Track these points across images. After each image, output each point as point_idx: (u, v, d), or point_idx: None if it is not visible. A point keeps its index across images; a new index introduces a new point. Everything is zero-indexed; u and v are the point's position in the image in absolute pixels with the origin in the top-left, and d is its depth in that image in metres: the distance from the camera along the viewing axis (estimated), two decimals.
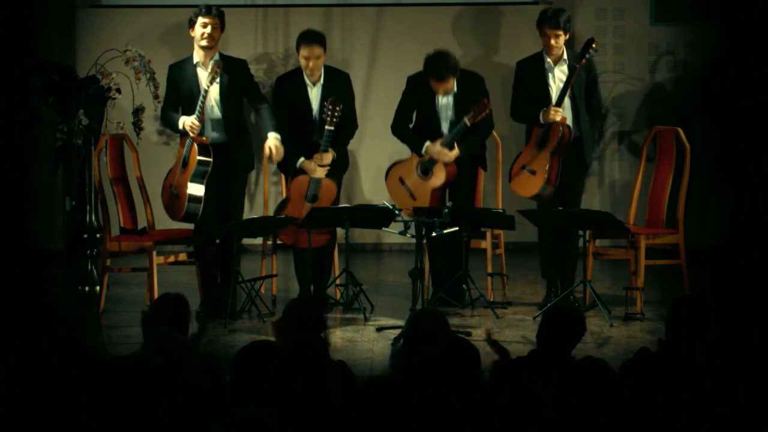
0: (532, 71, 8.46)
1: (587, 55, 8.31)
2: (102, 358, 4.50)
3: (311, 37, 8.43)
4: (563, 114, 8.34)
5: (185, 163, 8.26)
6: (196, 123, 8.16)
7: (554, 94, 8.39)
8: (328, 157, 8.38)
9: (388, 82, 10.34)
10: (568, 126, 8.32)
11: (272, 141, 8.35)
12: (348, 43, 10.47)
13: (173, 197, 8.31)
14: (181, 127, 8.27)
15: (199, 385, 4.49)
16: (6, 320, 5.21)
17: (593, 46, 8.33)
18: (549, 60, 8.41)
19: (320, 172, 8.40)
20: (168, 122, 8.49)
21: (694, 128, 9.58)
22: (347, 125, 8.53)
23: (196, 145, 8.20)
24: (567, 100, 8.38)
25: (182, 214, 8.24)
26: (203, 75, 8.29)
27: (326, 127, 8.30)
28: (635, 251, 8.33)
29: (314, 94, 8.48)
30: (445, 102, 8.47)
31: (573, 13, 10.13)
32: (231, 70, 8.35)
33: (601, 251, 8.66)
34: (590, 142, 8.57)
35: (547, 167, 8.30)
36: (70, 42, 10.38)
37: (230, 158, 8.35)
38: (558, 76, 8.41)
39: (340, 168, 8.57)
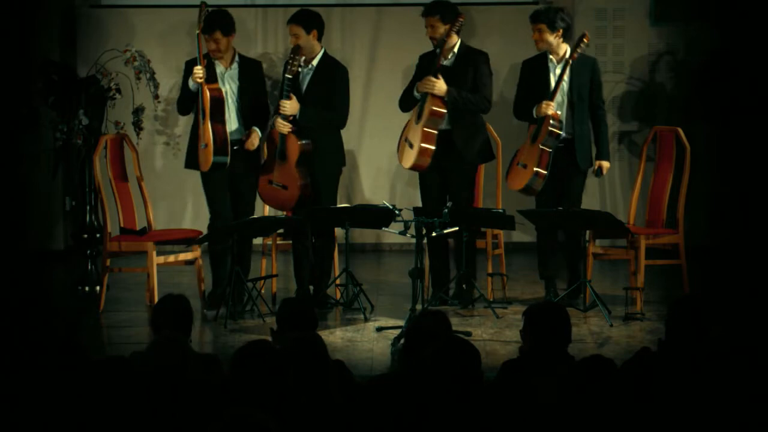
0: (536, 70, 8.53)
1: (579, 49, 8.35)
2: (99, 358, 4.49)
3: (291, 17, 8.54)
4: (561, 113, 8.40)
5: (203, 114, 8.32)
6: (199, 67, 8.28)
7: (562, 89, 8.45)
8: (287, 104, 8.31)
9: (388, 82, 10.34)
10: (560, 120, 8.36)
11: (256, 135, 8.47)
12: (348, 43, 10.47)
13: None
14: (191, 84, 8.36)
15: (199, 384, 4.49)
16: (6, 320, 5.22)
17: (585, 40, 8.38)
18: (552, 59, 8.46)
19: (281, 126, 8.33)
20: (182, 100, 8.57)
21: (694, 128, 9.58)
22: (333, 110, 8.48)
23: (207, 90, 8.31)
24: (564, 100, 8.45)
25: (210, 161, 8.31)
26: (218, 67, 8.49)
27: (285, 74, 8.32)
28: (635, 251, 8.33)
29: (307, 77, 8.49)
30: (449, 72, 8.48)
31: (573, 13, 10.14)
32: (246, 71, 8.49)
33: (601, 251, 8.66)
34: (585, 144, 8.53)
35: (536, 159, 8.35)
36: (70, 42, 10.38)
37: (247, 157, 8.41)
38: (557, 71, 8.47)
39: (334, 161, 8.55)
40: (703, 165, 9.60)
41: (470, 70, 8.47)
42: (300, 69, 8.34)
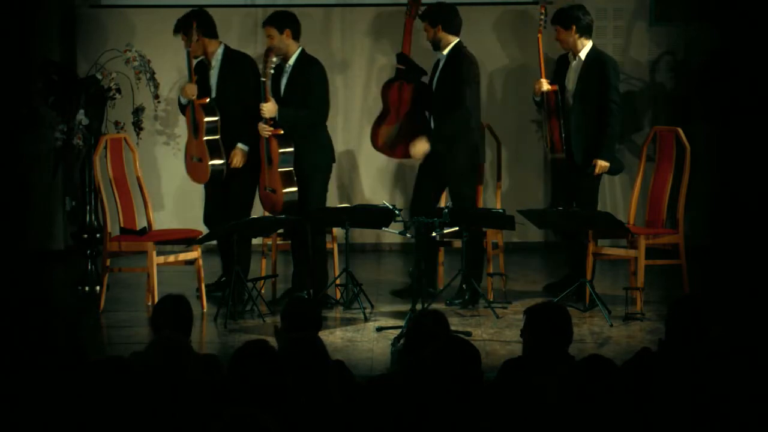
0: (560, 65, 8.73)
1: (540, 23, 8.72)
2: (98, 358, 4.49)
3: (266, 19, 8.63)
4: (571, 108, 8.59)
5: (196, 129, 8.60)
6: (190, 84, 8.55)
7: (571, 86, 8.59)
8: (264, 107, 8.36)
9: None
10: (555, 92, 8.56)
11: (239, 154, 8.58)
12: (348, 43, 10.47)
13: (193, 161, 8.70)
14: (182, 99, 8.67)
15: (198, 384, 4.49)
16: (6, 320, 5.21)
17: (540, 10, 8.77)
18: (570, 55, 8.63)
19: (262, 130, 8.39)
20: (179, 105, 8.91)
21: (694, 128, 9.58)
22: (309, 108, 8.48)
23: (199, 106, 8.56)
24: (570, 96, 8.59)
25: (208, 174, 8.58)
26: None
27: (261, 78, 8.39)
28: (635, 251, 8.33)
29: (285, 77, 8.56)
30: (436, 74, 8.66)
31: None
32: (228, 66, 8.63)
33: (601, 251, 8.66)
34: (581, 140, 8.56)
35: (547, 134, 8.63)
36: (70, 42, 10.38)
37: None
38: (572, 69, 8.62)
39: (321, 158, 8.55)
40: (703, 165, 9.59)
41: (450, 74, 8.51)
42: (272, 71, 8.39)
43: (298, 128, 8.43)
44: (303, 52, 8.54)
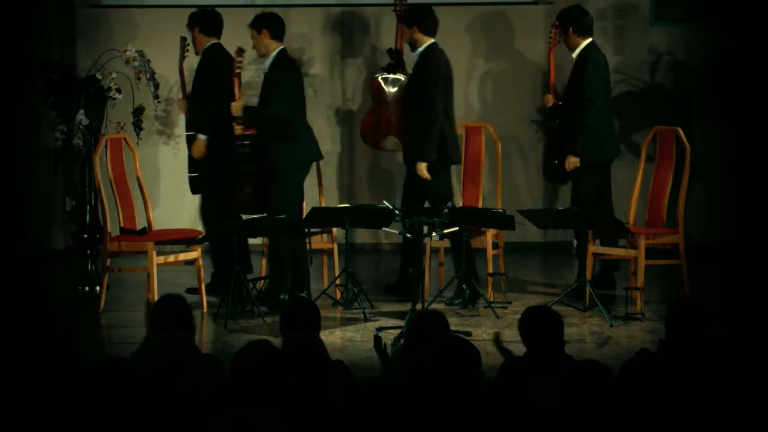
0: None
1: (551, 41, 8.86)
2: (97, 358, 4.49)
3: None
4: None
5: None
6: (180, 99, 9.00)
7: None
8: (232, 105, 8.43)
9: None
10: (552, 107, 8.78)
11: (198, 144, 8.70)
12: (348, 43, 10.47)
13: None
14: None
15: (199, 384, 4.49)
16: (6, 320, 5.21)
17: (552, 30, 8.86)
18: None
19: (235, 128, 8.48)
20: None
21: (694, 128, 9.58)
22: (272, 106, 8.47)
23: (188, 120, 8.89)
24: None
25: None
26: None
27: (231, 77, 8.52)
28: (635, 251, 8.33)
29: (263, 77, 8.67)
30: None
31: None
32: (202, 59, 8.84)
33: (601, 251, 8.66)
34: (572, 137, 8.60)
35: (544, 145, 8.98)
36: (70, 42, 10.38)
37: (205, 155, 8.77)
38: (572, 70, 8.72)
39: (294, 157, 8.50)
40: (703, 165, 9.60)
41: (416, 76, 8.60)
42: (239, 70, 8.49)
43: (270, 127, 8.42)
44: (281, 51, 8.51)
